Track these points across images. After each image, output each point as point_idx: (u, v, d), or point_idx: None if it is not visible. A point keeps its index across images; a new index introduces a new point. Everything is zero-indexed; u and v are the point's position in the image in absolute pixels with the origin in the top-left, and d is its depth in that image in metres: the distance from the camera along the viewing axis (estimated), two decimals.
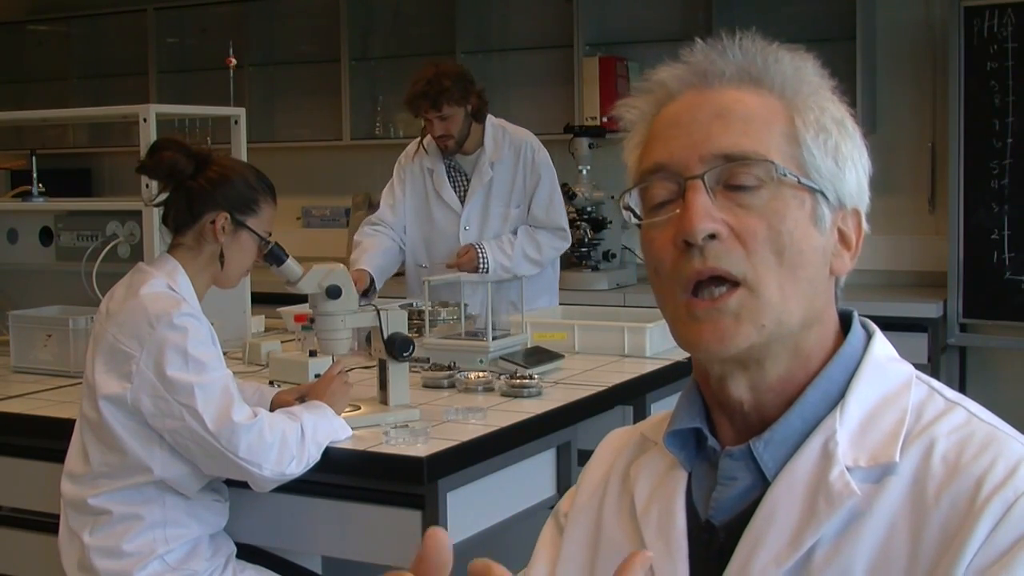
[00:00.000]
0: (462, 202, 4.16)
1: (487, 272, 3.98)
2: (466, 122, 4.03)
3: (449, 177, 4.21)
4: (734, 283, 1.01)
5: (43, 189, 3.89)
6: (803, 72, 1.07)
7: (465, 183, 4.18)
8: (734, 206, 1.02)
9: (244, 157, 3.49)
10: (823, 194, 1.04)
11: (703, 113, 1.04)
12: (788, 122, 1.04)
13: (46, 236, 3.81)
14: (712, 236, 1.01)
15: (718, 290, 1.01)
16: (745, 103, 1.04)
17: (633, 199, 1.08)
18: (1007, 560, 0.91)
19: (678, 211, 1.02)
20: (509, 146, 4.14)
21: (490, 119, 4.15)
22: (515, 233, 4.15)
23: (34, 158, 3.99)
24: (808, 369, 1.05)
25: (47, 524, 2.70)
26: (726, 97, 1.05)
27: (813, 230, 1.03)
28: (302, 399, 2.61)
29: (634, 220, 1.08)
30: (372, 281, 3.96)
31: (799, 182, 1.02)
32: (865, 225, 1.09)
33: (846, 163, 1.05)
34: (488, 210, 4.16)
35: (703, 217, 1.00)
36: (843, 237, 1.07)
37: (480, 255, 4.05)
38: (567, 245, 4.24)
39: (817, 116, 1.05)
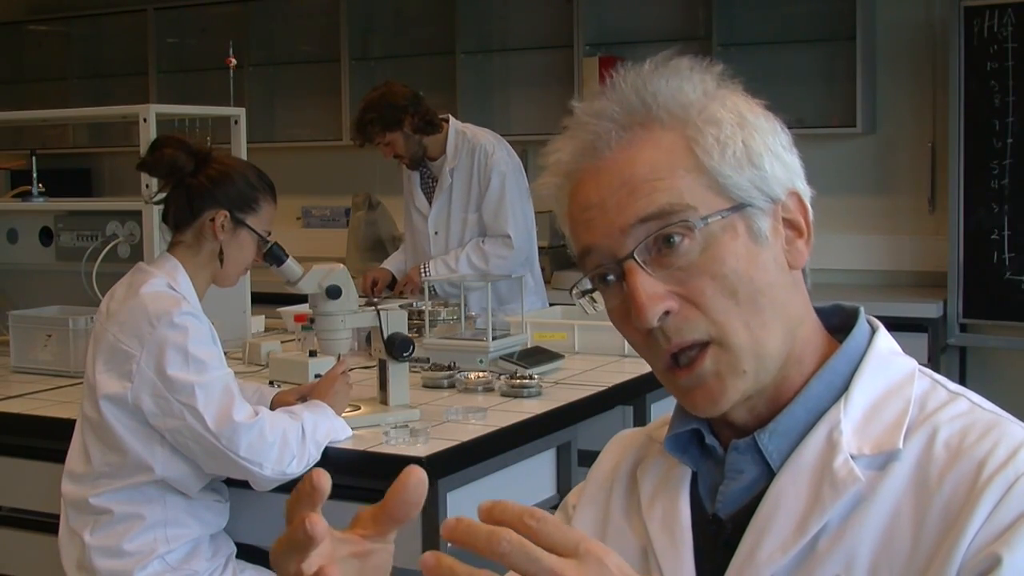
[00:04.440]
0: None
1: (433, 290, 4.03)
2: (412, 141, 4.10)
3: (423, 183, 4.29)
4: (704, 343, 1.01)
5: (43, 189, 3.89)
6: (683, 94, 1.03)
7: (434, 189, 4.26)
8: (674, 271, 1.01)
9: (244, 157, 3.49)
10: (752, 205, 1.02)
11: (607, 187, 1.02)
12: (688, 154, 1.02)
13: (46, 236, 3.81)
14: (666, 312, 1.01)
15: (692, 354, 1.02)
16: (639, 161, 1.02)
17: (584, 284, 1.07)
18: (1008, 536, 0.92)
19: (627, 290, 1.02)
20: (467, 152, 4.17)
21: (454, 124, 4.20)
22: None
23: (34, 158, 3.99)
24: (802, 367, 1.06)
25: (47, 524, 2.70)
26: (619, 163, 1.02)
27: (756, 248, 1.02)
28: (303, 399, 2.61)
29: (592, 307, 1.08)
30: (394, 277, 4.31)
31: (722, 217, 1.01)
32: (807, 202, 1.07)
33: (763, 159, 1.03)
34: (451, 216, 4.22)
35: (651, 302, 1.00)
36: (792, 225, 1.06)
37: (424, 274, 4.13)
38: (512, 252, 4.13)
39: (715, 134, 1.02)
